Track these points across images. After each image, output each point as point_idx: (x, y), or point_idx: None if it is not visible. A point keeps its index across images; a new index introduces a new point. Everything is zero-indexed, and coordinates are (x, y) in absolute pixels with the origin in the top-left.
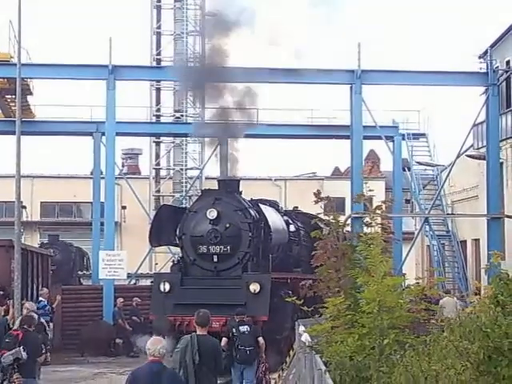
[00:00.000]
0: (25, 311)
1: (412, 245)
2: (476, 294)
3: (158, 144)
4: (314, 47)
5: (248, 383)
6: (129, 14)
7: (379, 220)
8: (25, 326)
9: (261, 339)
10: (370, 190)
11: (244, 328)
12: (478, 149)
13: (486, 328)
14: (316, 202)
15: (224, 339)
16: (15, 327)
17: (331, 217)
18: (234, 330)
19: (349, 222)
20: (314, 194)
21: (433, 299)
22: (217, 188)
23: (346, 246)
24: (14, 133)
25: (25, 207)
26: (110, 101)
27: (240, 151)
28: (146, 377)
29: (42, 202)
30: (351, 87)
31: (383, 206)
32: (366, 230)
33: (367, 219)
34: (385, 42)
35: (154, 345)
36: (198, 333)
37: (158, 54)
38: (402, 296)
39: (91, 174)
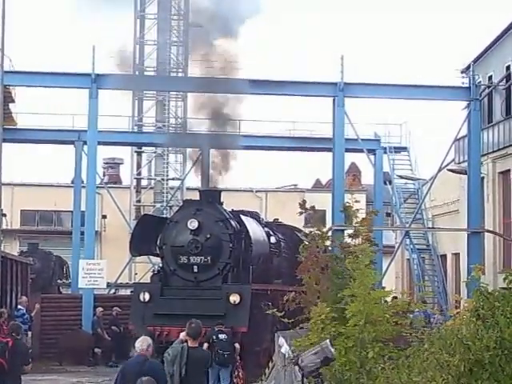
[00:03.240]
0: None
1: (392, 258)
2: (456, 308)
3: (139, 154)
4: (298, 59)
5: (224, 381)
6: (112, 23)
7: (364, 232)
8: (13, 334)
9: (237, 345)
10: (357, 202)
11: (222, 336)
12: (460, 163)
13: (466, 341)
14: (301, 214)
15: (205, 344)
16: None
17: (315, 228)
18: (213, 337)
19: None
20: (299, 204)
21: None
22: (198, 198)
23: (328, 257)
24: None
25: (5, 215)
26: (92, 109)
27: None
28: (132, 366)
29: (22, 210)
30: (334, 100)
31: (369, 219)
32: (348, 241)
33: (351, 231)
34: (368, 55)
35: (140, 342)
36: (189, 344)
37: (141, 63)
38: (388, 309)
39: (72, 182)
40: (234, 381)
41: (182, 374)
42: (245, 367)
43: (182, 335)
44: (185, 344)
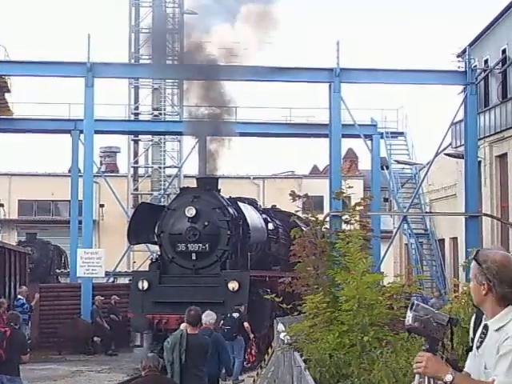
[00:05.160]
0: None
1: (390, 243)
2: (455, 292)
3: (136, 142)
4: (294, 45)
5: (235, 354)
6: (107, 12)
7: (358, 217)
8: (12, 324)
9: (245, 323)
10: (350, 187)
11: (235, 314)
12: (457, 147)
13: (464, 324)
14: (293, 200)
15: (221, 322)
16: None
17: (310, 215)
18: (228, 315)
19: (328, 219)
20: (290, 194)
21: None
22: (195, 186)
23: (324, 243)
24: None
25: (2, 205)
26: (88, 98)
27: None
28: None
29: (19, 200)
30: (330, 85)
31: (362, 203)
32: (344, 227)
33: (346, 217)
34: (364, 40)
35: (206, 317)
36: (188, 331)
37: (137, 51)
38: (381, 293)
39: (69, 171)
40: (247, 357)
41: (182, 360)
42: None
43: (183, 326)
44: (184, 331)
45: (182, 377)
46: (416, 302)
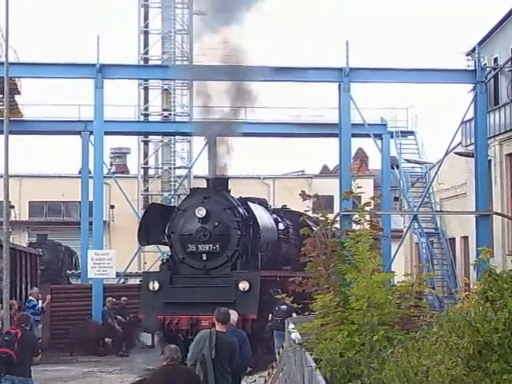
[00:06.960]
0: None
1: (401, 242)
2: (465, 291)
3: (146, 143)
4: (303, 45)
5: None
6: (116, 13)
7: (368, 217)
8: (22, 325)
9: (294, 314)
10: (359, 187)
11: (283, 306)
12: (467, 146)
13: (475, 323)
14: (304, 200)
15: (270, 315)
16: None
17: (320, 214)
18: (276, 307)
19: (338, 219)
20: (300, 194)
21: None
22: (205, 187)
23: (334, 242)
24: (1, 132)
25: (13, 207)
26: (98, 99)
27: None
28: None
29: (30, 202)
30: (339, 85)
31: (372, 203)
32: (354, 227)
33: (356, 216)
34: (373, 39)
35: (232, 315)
36: (217, 329)
37: (146, 52)
38: (391, 292)
39: (79, 173)
40: None
41: (212, 356)
42: None
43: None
44: (213, 328)
45: (215, 372)
46: None
